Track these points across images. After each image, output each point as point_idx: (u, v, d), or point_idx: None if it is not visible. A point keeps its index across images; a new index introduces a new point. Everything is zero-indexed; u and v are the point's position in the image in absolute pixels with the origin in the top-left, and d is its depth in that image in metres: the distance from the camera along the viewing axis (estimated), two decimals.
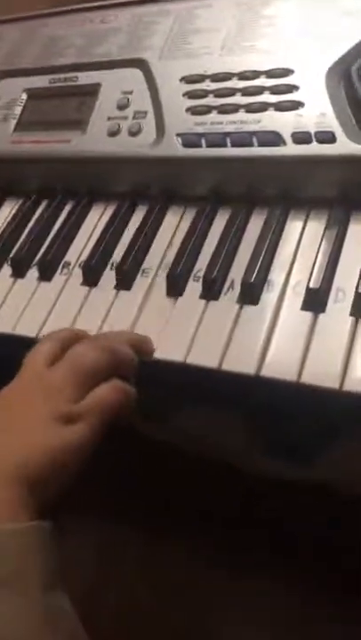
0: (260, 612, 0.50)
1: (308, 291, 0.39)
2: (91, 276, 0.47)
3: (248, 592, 0.50)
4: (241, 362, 0.38)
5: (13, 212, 0.56)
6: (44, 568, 0.29)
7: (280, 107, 0.45)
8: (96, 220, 0.52)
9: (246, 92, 0.47)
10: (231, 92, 0.47)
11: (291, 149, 0.43)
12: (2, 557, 0.28)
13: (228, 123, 0.46)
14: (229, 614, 0.50)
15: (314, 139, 0.43)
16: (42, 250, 0.51)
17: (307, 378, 0.36)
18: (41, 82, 0.57)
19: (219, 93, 0.48)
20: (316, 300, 0.39)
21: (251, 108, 0.46)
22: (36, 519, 0.30)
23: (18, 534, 0.29)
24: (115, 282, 0.46)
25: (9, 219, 0.55)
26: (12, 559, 0.28)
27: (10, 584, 0.27)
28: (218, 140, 0.46)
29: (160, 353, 0.40)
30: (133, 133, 0.50)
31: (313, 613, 0.49)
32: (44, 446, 0.32)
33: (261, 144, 0.44)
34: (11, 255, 0.52)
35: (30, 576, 0.28)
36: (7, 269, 0.51)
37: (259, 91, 0.47)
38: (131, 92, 0.52)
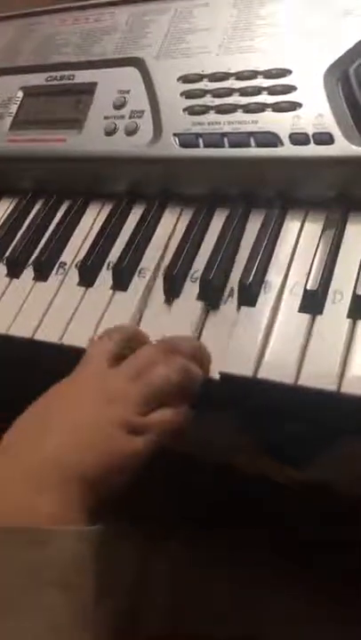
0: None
1: (306, 292, 0.39)
2: (87, 277, 0.47)
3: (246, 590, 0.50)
4: (238, 364, 0.38)
5: (8, 211, 0.55)
6: (96, 573, 0.28)
7: (278, 107, 0.45)
8: (92, 219, 0.51)
9: (244, 92, 0.47)
10: (229, 92, 0.47)
11: (288, 150, 0.43)
12: (59, 559, 0.28)
13: (226, 123, 0.46)
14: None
15: (312, 140, 0.43)
16: (37, 250, 0.50)
17: (304, 380, 0.36)
18: (37, 80, 0.56)
19: (216, 93, 0.48)
20: (313, 302, 0.39)
21: (248, 109, 0.46)
22: (85, 520, 0.30)
23: (77, 537, 0.28)
24: (111, 282, 0.46)
25: (4, 218, 0.55)
26: (66, 562, 0.28)
27: (63, 586, 0.27)
28: (215, 140, 0.46)
29: None
30: (130, 133, 0.50)
31: (314, 613, 0.49)
32: (106, 450, 0.32)
33: (259, 145, 0.44)
34: (6, 255, 0.51)
35: (84, 581, 0.28)
36: (2, 269, 0.51)
37: (256, 91, 0.46)
38: (127, 92, 0.51)
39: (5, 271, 0.50)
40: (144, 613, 0.45)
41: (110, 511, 0.32)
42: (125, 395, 0.35)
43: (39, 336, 0.45)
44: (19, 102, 0.57)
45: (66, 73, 0.55)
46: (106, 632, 0.29)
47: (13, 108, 0.56)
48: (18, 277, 0.50)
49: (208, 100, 0.48)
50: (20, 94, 0.57)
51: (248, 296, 0.41)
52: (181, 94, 0.49)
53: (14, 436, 0.33)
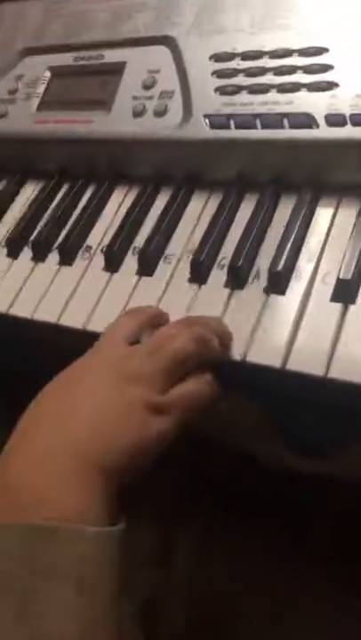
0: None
1: (339, 281, 0.38)
2: (112, 262, 0.46)
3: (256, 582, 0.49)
4: (266, 354, 0.37)
5: (34, 194, 0.55)
6: (118, 573, 0.28)
7: (313, 87, 0.43)
8: (118, 203, 0.50)
9: (278, 71, 0.45)
10: (262, 72, 0.45)
11: (324, 132, 0.41)
12: (86, 559, 0.27)
13: (259, 103, 0.44)
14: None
15: (349, 121, 0.41)
16: (63, 233, 0.50)
17: (335, 372, 0.34)
18: (65, 60, 0.55)
19: (249, 72, 0.46)
20: (346, 291, 0.37)
21: (282, 89, 0.44)
22: (108, 509, 0.29)
23: (99, 539, 0.27)
24: (137, 268, 0.45)
25: (30, 201, 0.54)
26: (96, 562, 0.27)
27: (83, 586, 0.26)
28: (247, 121, 0.44)
29: None
30: (159, 114, 0.48)
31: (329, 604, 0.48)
32: (131, 434, 0.31)
33: (293, 126, 0.42)
34: (31, 239, 0.51)
35: (105, 580, 0.27)
36: (28, 253, 0.50)
37: (291, 70, 0.44)
38: (157, 71, 0.50)
39: (31, 255, 0.50)
40: (164, 608, 0.44)
41: (130, 494, 0.31)
42: (145, 373, 0.33)
43: (64, 321, 0.44)
44: (46, 83, 0.56)
45: (94, 53, 0.54)
46: (128, 629, 0.28)
47: (41, 89, 0.55)
48: (43, 261, 0.49)
49: (240, 80, 0.46)
50: (48, 74, 0.56)
51: (278, 284, 0.39)
52: (213, 74, 0.47)
53: (32, 421, 0.32)
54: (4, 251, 0.51)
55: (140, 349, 0.35)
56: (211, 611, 0.48)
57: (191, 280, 0.43)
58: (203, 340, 0.35)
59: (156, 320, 0.38)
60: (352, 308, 0.37)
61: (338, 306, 0.37)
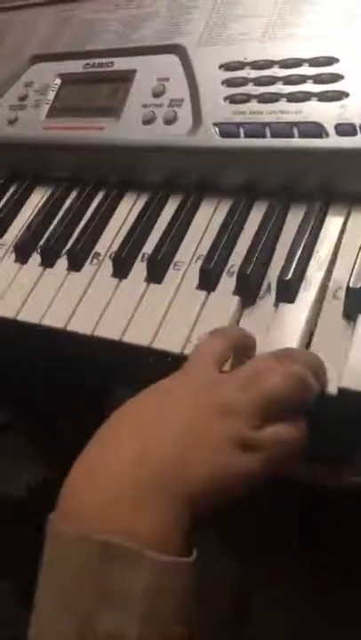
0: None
1: (348, 290, 0.38)
2: (121, 268, 0.46)
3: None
4: None
5: (44, 200, 0.55)
6: (186, 609, 0.26)
7: (323, 97, 0.43)
8: (128, 210, 0.50)
9: (288, 80, 0.45)
10: (272, 81, 0.46)
11: (334, 141, 0.42)
12: (153, 590, 0.26)
13: (268, 112, 0.44)
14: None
15: (359, 131, 0.41)
16: (72, 239, 0.50)
17: (346, 382, 0.34)
18: (75, 67, 0.56)
19: (259, 82, 0.46)
20: (356, 301, 0.37)
21: (292, 98, 0.44)
22: (186, 540, 0.27)
23: (172, 567, 0.26)
24: (145, 274, 0.45)
25: (39, 207, 0.54)
26: (162, 592, 0.26)
27: (149, 619, 0.25)
28: (257, 130, 0.44)
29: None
30: (169, 122, 0.48)
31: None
32: (218, 469, 0.29)
33: (303, 135, 0.43)
34: (40, 244, 0.51)
35: (166, 612, 0.26)
36: (36, 258, 0.50)
37: (301, 79, 0.45)
38: (167, 79, 0.50)
39: (39, 260, 0.50)
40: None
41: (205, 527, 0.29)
42: (238, 406, 0.31)
43: (72, 327, 0.44)
44: (56, 89, 0.56)
45: (104, 60, 0.54)
46: None
47: (50, 95, 0.56)
48: (52, 267, 0.49)
49: (250, 89, 0.46)
50: (58, 81, 0.56)
51: (287, 292, 0.39)
52: (222, 82, 0.47)
53: (113, 432, 0.30)
54: (13, 256, 0.52)
55: (235, 379, 0.32)
56: None
57: (200, 287, 0.43)
58: (304, 382, 0.32)
59: (244, 342, 0.37)
60: None
61: (348, 316, 0.37)
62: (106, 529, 0.26)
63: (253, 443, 0.30)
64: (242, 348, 0.36)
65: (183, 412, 0.31)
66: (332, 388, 0.34)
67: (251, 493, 0.30)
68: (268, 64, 0.46)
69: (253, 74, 0.47)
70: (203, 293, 0.42)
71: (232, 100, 0.46)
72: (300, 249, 0.41)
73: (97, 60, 0.55)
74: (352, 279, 0.38)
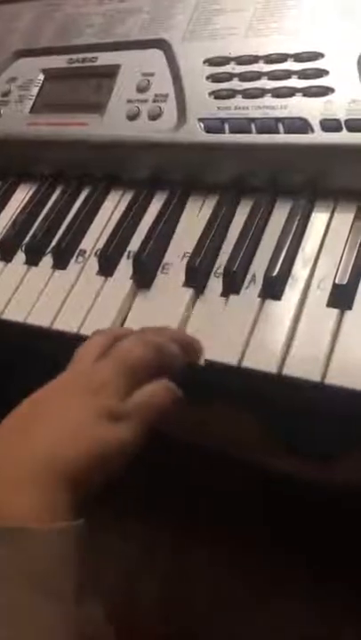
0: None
1: (335, 286, 0.38)
2: (106, 266, 0.46)
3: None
4: (262, 359, 0.36)
5: (28, 197, 0.54)
6: (79, 571, 0.27)
7: (308, 92, 0.43)
8: (113, 207, 0.50)
9: (273, 75, 0.45)
10: (257, 76, 0.45)
11: (319, 137, 0.41)
12: (36, 559, 0.27)
13: (254, 108, 0.44)
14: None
15: (344, 126, 0.41)
16: (57, 237, 0.49)
17: (332, 378, 0.34)
18: (58, 62, 0.55)
19: (244, 77, 0.46)
20: (342, 297, 0.37)
21: (277, 93, 0.44)
22: (71, 517, 0.28)
23: (53, 535, 0.27)
24: (131, 272, 0.45)
25: (23, 204, 0.54)
26: (46, 561, 0.27)
27: (44, 588, 0.26)
28: (242, 125, 0.44)
29: None
30: (153, 117, 0.48)
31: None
32: (87, 442, 0.31)
33: (288, 131, 0.42)
34: (25, 242, 0.50)
35: (65, 579, 0.27)
36: (21, 256, 0.50)
37: (286, 75, 0.44)
38: (151, 74, 0.50)
39: (24, 258, 0.49)
40: (134, 610, 0.44)
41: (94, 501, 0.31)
42: (103, 382, 0.33)
43: (57, 325, 0.44)
44: (39, 85, 0.55)
45: (88, 55, 0.54)
46: (93, 629, 0.27)
47: (34, 91, 0.55)
48: (37, 265, 0.49)
49: (235, 84, 0.46)
50: (41, 77, 0.56)
51: (273, 289, 0.39)
52: (207, 78, 0.47)
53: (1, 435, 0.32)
54: None
55: (104, 362, 0.35)
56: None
57: (186, 284, 0.42)
58: (160, 346, 0.35)
59: (124, 337, 0.38)
60: (348, 313, 0.37)
61: (334, 311, 0.37)
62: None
63: (121, 411, 0.32)
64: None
65: (58, 401, 0.33)
66: (201, 360, 0.37)
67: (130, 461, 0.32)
68: (253, 59, 0.46)
69: (238, 69, 0.46)
70: (189, 290, 0.42)
71: (217, 95, 0.46)
72: (287, 245, 0.41)
73: (81, 55, 0.54)
74: (338, 275, 0.38)
